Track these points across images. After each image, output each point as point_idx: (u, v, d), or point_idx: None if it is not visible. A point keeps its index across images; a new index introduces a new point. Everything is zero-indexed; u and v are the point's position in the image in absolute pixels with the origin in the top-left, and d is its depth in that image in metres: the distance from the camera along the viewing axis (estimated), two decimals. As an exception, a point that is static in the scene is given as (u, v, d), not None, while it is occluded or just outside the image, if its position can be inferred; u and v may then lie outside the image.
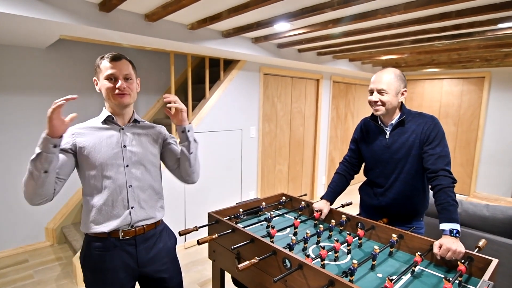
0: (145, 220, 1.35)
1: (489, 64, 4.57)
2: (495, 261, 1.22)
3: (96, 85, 1.35)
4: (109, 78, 1.28)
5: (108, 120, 1.35)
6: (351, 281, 1.14)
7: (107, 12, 2.15)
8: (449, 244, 1.28)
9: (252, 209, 1.90)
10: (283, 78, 4.31)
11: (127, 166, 1.32)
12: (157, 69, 3.95)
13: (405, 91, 1.63)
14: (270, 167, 4.34)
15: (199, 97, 3.66)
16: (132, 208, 1.31)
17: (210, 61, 3.60)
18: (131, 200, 1.31)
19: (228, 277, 1.83)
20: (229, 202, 3.75)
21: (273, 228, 1.49)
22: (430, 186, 1.55)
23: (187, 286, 2.60)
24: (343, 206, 1.96)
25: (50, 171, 1.12)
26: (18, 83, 2.97)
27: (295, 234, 1.62)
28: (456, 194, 1.46)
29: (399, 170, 1.64)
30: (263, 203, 1.94)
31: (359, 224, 1.64)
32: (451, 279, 1.06)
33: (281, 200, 2.05)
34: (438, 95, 5.54)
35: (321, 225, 1.73)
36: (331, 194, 1.86)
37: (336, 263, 1.36)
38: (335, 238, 1.37)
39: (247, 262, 1.17)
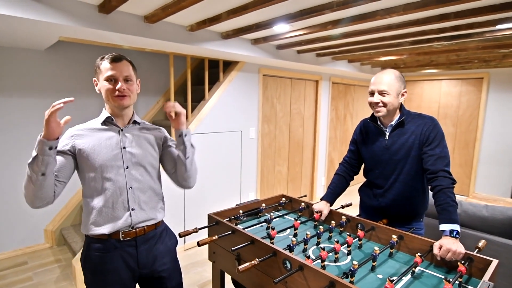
0: (146, 221, 1.35)
1: (487, 65, 4.59)
2: (495, 262, 1.22)
3: (96, 86, 1.33)
4: (109, 79, 1.27)
5: (107, 121, 1.34)
6: (351, 282, 1.14)
7: (106, 13, 2.14)
8: (449, 245, 1.29)
9: (252, 211, 1.90)
10: (283, 79, 4.31)
11: (127, 168, 1.31)
12: (157, 71, 3.95)
13: (405, 92, 1.63)
14: (270, 168, 4.33)
15: (198, 98, 3.66)
16: (132, 209, 1.31)
17: (209, 62, 3.60)
18: (132, 201, 1.31)
19: (228, 278, 1.83)
20: (228, 204, 3.75)
21: (273, 229, 1.49)
22: (429, 187, 1.55)
23: (186, 287, 2.59)
24: (343, 207, 1.96)
25: (47, 174, 1.12)
26: (17, 85, 2.97)
27: (295, 235, 1.62)
28: (456, 195, 1.46)
29: (399, 171, 1.65)
30: (263, 205, 1.94)
31: (359, 225, 1.64)
32: (451, 279, 1.06)
33: (281, 201, 2.05)
34: (437, 96, 5.56)
35: (321, 226, 1.74)
36: (331, 195, 1.86)
37: (337, 264, 1.36)
38: (335, 239, 1.38)
39: (247, 264, 1.17)
